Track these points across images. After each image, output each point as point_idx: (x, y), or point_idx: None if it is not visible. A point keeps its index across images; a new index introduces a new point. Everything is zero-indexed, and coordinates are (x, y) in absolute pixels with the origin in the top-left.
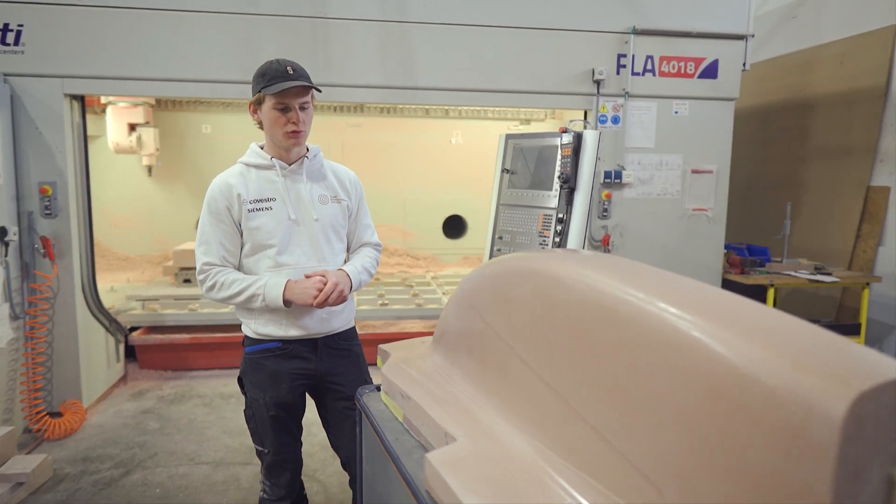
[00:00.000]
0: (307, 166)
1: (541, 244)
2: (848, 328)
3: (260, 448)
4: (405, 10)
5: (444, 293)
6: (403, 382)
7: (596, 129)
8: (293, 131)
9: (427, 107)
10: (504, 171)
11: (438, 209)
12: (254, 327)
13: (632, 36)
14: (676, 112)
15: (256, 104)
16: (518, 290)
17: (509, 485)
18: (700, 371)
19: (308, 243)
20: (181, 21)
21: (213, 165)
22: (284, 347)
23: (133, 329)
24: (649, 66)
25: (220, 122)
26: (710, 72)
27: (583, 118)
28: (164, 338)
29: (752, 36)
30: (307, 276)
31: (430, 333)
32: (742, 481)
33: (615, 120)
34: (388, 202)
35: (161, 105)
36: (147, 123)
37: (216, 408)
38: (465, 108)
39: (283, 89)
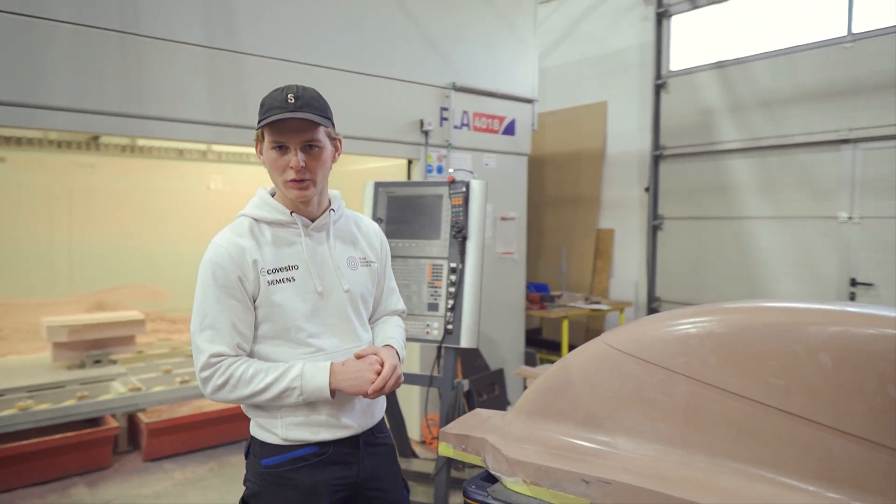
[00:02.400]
0: (335, 223)
1: (431, 295)
2: None
3: None
4: (234, 37)
5: None
6: (564, 462)
7: (423, 177)
8: (293, 179)
9: (181, 147)
10: (378, 220)
11: (197, 264)
12: (281, 432)
13: (452, 91)
14: (486, 164)
15: (258, 142)
16: (780, 346)
17: None
18: None
19: (338, 320)
20: None
21: None
22: (322, 452)
23: None
24: (465, 121)
25: None
26: (510, 129)
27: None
28: None
29: (537, 100)
30: (357, 356)
31: (238, 409)
32: None
33: (439, 169)
34: (133, 259)
35: None
36: None
37: None
38: (227, 149)
39: (272, 121)
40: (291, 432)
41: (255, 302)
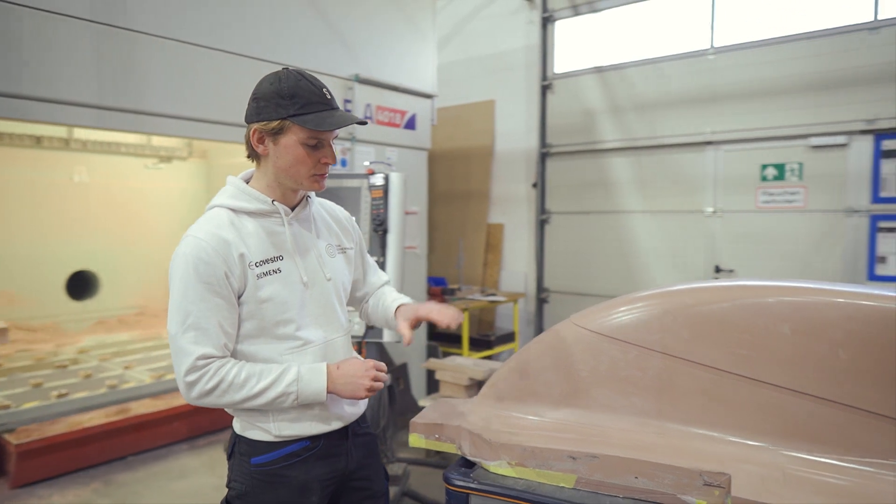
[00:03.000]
0: (312, 209)
1: None
2: (506, 337)
3: None
4: (126, 14)
5: (125, 367)
6: (550, 441)
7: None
8: (321, 174)
9: (39, 134)
10: None
11: (59, 265)
12: (274, 429)
13: (356, 83)
14: (389, 158)
15: (271, 133)
16: (745, 319)
17: (827, 487)
18: None
19: (322, 310)
20: None
21: None
22: (314, 446)
23: None
24: (369, 114)
25: None
26: (411, 124)
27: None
28: None
29: (437, 96)
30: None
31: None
32: None
33: (343, 163)
34: None
35: None
36: None
37: None
38: (94, 137)
39: (332, 128)
40: (285, 429)
41: (239, 298)
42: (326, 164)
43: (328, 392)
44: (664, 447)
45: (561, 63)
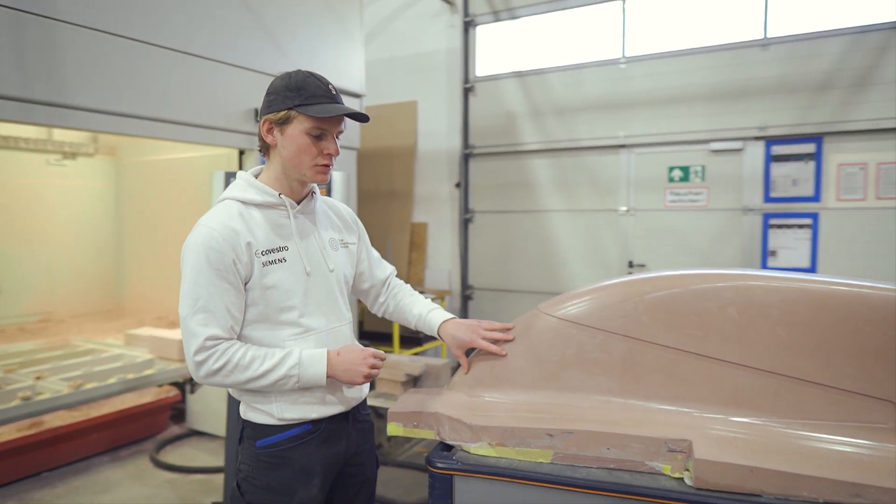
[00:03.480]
0: (317, 205)
1: None
2: None
3: None
4: (47, 1)
5: (36, 377)
6: (528, 421)
7: None
8: (325, 164)
9: None
10: None
11: None
12: (276, 411)
13: None
14: None
15: (279, 123)
16: (698, 303)
17: (770, 445)
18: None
19: (327, 300)
20: None
21: None
22: (316, 430)
23: None
24: None
25: None
26: None
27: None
28: None
29: (365, 95)
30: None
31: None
32: None
33: None
34: None
35: None
36: None
37: None
38: None
39: (332, 115)
40: (287, 412)
41: (246, 285)
42: (329, 156)
43: (328, 377)
44: (630, 420)
45: (483, 66)
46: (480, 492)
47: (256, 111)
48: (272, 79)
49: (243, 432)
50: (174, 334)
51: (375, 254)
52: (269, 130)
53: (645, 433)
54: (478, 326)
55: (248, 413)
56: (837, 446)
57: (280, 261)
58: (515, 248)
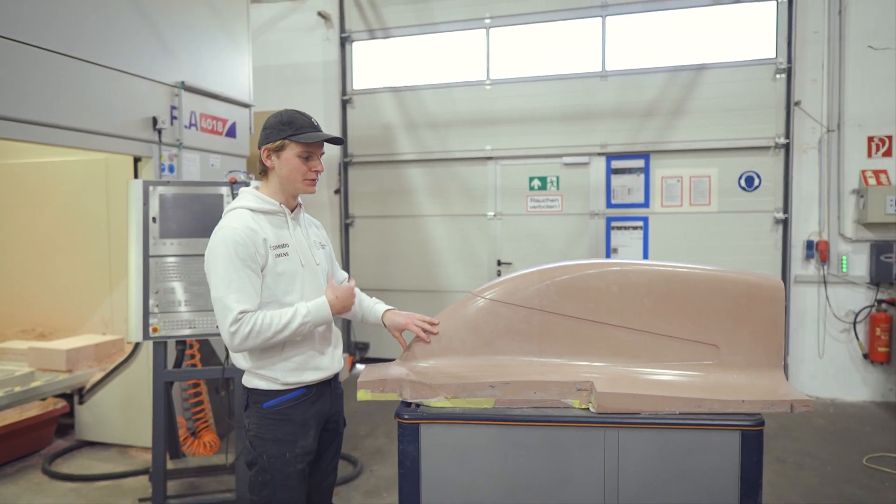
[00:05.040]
0: (302, 214)
1: None
2: None
3: None
4: None
5: None
6: (474, 378)
7: (159, 176)
8: (313, 179)
9: None
10: (153, 220)
11: None
12: (281, 377)
13: (182, 90)
14: (212, 164)
15: (275, 150)
16: (592, 283)
17: (643, 380)
18: (705, 284)
19: (317, 287)
20: None
21: None
22: (309, 393)
23: None
24: (193, 121)
25: None
26: (231, 132)
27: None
28: None
29: (254, 105)
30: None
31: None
32: (743, 318)
33: (171, 168)
34: None
35: None
36: None
37: None
38: None
39: (315, 140)
40: (289, 377)
41: (262, 271)
42: (316, 172)
43: (334, 313)
44: (548, 372)
45: (360, 80)
46: (441, 434)
47: (155, 119)
48: (167, 87)
49: (248, 399)
50: (58, 344)
51: (335, 260)
52: (268, 156)
53: (559, 379)
54: (412, 315)
55: (255, 381)
56: (685, 377)
57: (285, 254)
58: (395, 251)
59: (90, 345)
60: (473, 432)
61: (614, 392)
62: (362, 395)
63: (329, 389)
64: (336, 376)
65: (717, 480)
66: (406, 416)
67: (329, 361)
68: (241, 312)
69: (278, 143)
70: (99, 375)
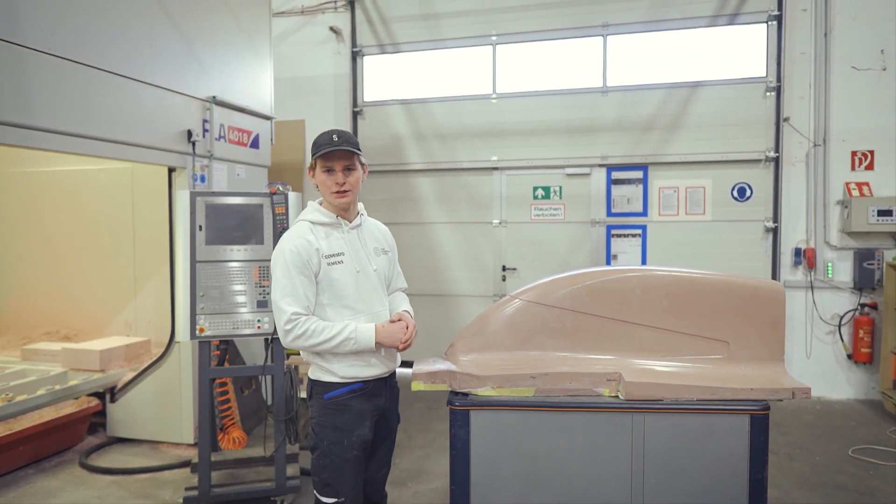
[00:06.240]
0: (363, 223)
1: (260, 294)
2: None
3: (335, 500)
4: (15, 30)
5: None
6: (516, 370)
7: (193, 186)
8: (336, 191)
9: None
10: (199, 227)
11: None
12: (340, 371)
13: (213, 105)
14: (238, 174)
15: (312, 169)
16: (617, 287)
17: (664, 371)
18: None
19: (372, 291)
20: None
21: None
22: (366, 387)
23: None
24: (222, 133)
25: None
26: (255, 143)
27: (236, 175)
28: None
29: (275, 118)
30: (392, 321)
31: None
32: (749, 317)
33: (202, 178)
34: None
35: None
36: None
37: None
38: None
39: (325, 153)
40: (347, 371)
41: (316, 277)
42: (339, 185)
43: (376, 343)
44: (580, 365)
45: (371, 92)
46: (489, 419)
47: (189, 132)
48: (200, 101)
49: (312, 390)
50: (91, 345)
51: (399, 269)
52: (312, 175)
53: (591, 371)
54: (407, 316)
55: (318, 373)
56: (700, 369)
57: (339, 262)
58: (403, 257)
59: (121, 346)
60: (517, 417)
61: (640, 381)
62: (416, 385)
63: (385, 386)
64: (393, 374)
65: (729, 457)
66: (457, 404)
67: (385, 360)
68: (295, 314)
69: (312, 162)
70: (130, 375)
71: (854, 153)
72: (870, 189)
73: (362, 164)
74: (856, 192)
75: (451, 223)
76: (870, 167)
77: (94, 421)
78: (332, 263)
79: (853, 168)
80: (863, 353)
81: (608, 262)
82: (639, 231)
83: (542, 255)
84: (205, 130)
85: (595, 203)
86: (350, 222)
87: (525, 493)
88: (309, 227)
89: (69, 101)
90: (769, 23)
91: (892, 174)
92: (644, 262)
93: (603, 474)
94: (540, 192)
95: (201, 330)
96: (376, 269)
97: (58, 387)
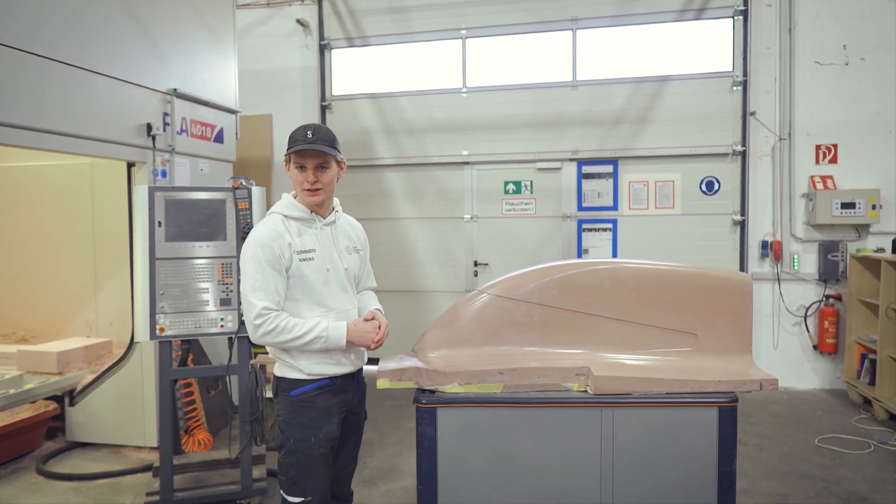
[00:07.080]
0: (337, 220)
1: (223, 291)
2: None
3: (301, 499)
4: None
5: None
6: (484, 366)
7: (153, 181)
8: (307, 189)
9: None
10: (158, 224)
11: None
12: (306, 368)
13: (174, 97)
14: (202, 169)
15: (286, 163)
16: (586, 280)
17: (632, 365)
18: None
19: (340, 289)
20: None
21: None
22: (333, 383)
23: None
24: (184, 127)
25: None
26: (219, 137)
27: (199, 171)
28: None
29: (240, 112)
30: (366, 320)
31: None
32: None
33: (164, 173)
34: None
35: None
36: None
37: None
38: None
39: (297, 150)
40: (314, 368)
41: (288, 272)
42: (310, 183)
43: (347, 341)
44: (549, 359)
45: (339, 86)
46: (456, 416)
47: (149, 126)
48: (160, 94)
49: (278, 387)
50: (48, 347)
51: (370, 267)
52: (287, 169)
53: (560, 365)
54: (380, 315)
55: (284, 370)
56: (669, 362)
57: (310, 259)
58: (374, 253)
59: (80, 347)
60: (485, 414)
61: (608, 375)
62: (382, 383)
63: (352, 382)
64: (360, 371)
65: (699, 449)
66: (424, 401)
67: (352, 357)
68: (265, 308)
69: (286, 157)
70: (90, 377)
71: (818, 147)
72: (833, 182)
73: (339, 162)
74: (820, 185)
75: (422, 218)
76: (833, 160)
77: (53, 425)
78: (304, 259)
79: (817, 161)
80: (828, 344)
81: (579, 256)
82: (609, 225)
83: (514, 250)
84: (165, 124)
85: (566, 197)
86: (324, 218)
87: (494, 491)
88: (281, 219)
89: (19, 93)
90: (735, 18)
91: (854, 167)
92: (615, 256)
93: (573, 469)
94: (511, 187)
95: (161, 329)
96: (347, 268)
97: (13, 391)
